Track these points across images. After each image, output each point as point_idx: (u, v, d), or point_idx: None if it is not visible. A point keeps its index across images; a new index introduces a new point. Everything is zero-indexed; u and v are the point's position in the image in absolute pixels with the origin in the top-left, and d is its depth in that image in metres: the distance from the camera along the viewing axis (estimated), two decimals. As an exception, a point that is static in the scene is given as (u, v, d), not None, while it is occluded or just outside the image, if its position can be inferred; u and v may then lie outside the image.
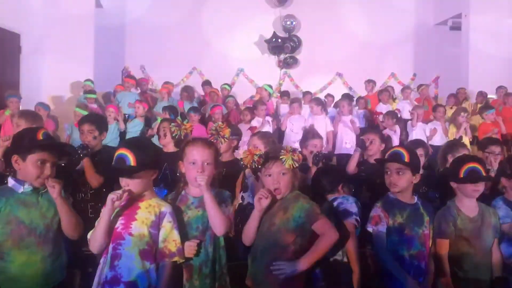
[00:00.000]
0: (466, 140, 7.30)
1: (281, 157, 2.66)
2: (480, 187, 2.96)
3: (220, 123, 3.30)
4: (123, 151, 2.48)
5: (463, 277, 2.93)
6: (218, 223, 2.57)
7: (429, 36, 12.69)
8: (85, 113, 6.71)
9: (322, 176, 3.23)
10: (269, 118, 8.09)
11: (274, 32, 12.19)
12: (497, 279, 3.00)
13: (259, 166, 2.71)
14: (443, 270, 2.90)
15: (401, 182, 2.91)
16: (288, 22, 12.16)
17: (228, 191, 2.83)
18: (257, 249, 2.68)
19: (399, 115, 8.22)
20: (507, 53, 10.72)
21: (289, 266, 2.52)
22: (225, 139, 3.14)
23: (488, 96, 9.92)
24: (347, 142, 7.42)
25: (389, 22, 12.28)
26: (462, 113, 7.71)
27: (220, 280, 2.66)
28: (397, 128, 7.49)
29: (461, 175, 2.95)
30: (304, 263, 2.54)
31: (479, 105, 9.32)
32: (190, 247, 2.57)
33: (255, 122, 7.77)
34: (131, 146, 2.51)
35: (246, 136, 5.25)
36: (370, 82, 10.20)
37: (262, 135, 3.96)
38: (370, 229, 2.92)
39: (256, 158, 2.71)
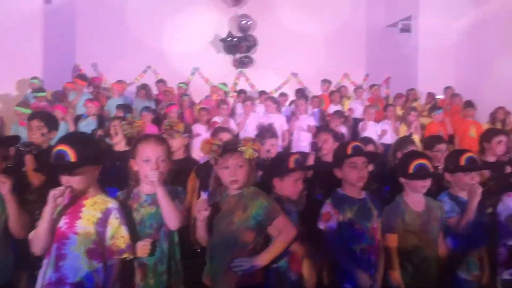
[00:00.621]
0: (417, 138, 7.52)
1: (240, 148, 2.65)
2: (428, 182, 3.04)
3: (174, 119, 3.26)
4: (61, 147, 2.40)
5: (412, 270, 3.00)
6: (172, 218, 2.54)
7: (380, 38, 13.02)
8: (28, 111, 6.47)
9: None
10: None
11: (229, 31, 12.19)
12: (443, 272, 3.10)
13: (217, 157, 2.67)
14: (392, 263, 2.96)
15: (366, 174, 2.98)
16: (244, 22, 12.19)
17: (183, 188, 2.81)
18: (215, 247, 2.66)
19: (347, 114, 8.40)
20: (455, 54, 11.14)
21: (248, 262, 2.55)
22: (179, 134, 3.11)
23: (437, 97, 10.27)
24: (303, 140, 7.50)
25: (342, 23, 12.50)
26: (412, 112, 7.95)
27: (175, 277, 2.64)
28: (344, 128, 7.64)
29: (410, 171, 3.01)
30: (263, 259, 2.59)
31: (428, 105, 9.64)
32: (143, 247, 2.53)
33: (217, 119, 7.73)
34: (70, 141, 2.43)
35: (205, 136, 5.21)
36: (325, 82, 10.37)
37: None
38: (321, 226, 2.95)
39: (215, 147, 2.67)
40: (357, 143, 3.08)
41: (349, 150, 3.00)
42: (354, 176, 2.95)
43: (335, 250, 2.90)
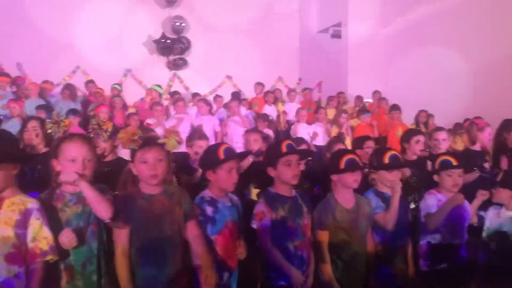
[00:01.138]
0: (348, 139, 7.78)
1: (161, 140, 2.60)
2: (359, 176, 3.13)
3: (102, 119, 3.14)
4: None
5: (342, 265, 3.08)
6: (101, 209, 2.45)
7: (312, 43, 13.36)
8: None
9: None
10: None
11: (163, 32, 12.02)
12: (371, 266, 3.21)
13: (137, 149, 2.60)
14: (323, 258, 3.03)
15: (299, 172, 3.04)
16: (178, 23, 12.07)
17: (112, 190, 2.70)
18: (161, 251, 2.61)
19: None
20: (382, 60, 11.64)
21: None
22: (107, 134, 2.99)
23: (365, 100, 10.68)
24: (238, 142, 7.52)
25: (276, 28, 12.74)
26: (343, 115, 8.23)
27: (106, 277, 2.54)
28: (270, 132, 7.75)
29: (342, 166, 3.10)
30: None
31: (357, 108, 10.00)
32: (67, 238, 2.37)
33: (150, 121, 7.55)
34: None
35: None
36: (259, 85, 10.48)
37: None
38: (254, 225, 2.96)
39: (136, 137, 2.59)
40: (290, 142, 3.12)
41: (284, 149, 3.03)
42: (289, 174, 2.99)
43: (268, 248, 2.92)
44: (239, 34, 12.21)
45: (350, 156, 3.15)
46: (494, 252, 3.31)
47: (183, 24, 12.11)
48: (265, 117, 7.81)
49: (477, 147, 5.04)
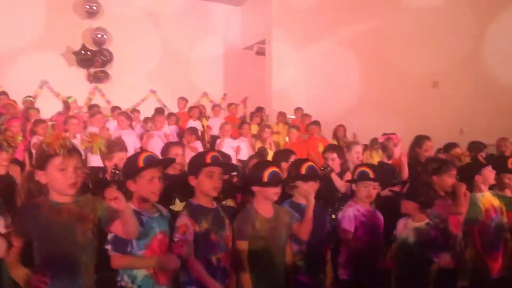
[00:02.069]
0: (271, 153, 7.88)
1: (85, 144, 2.48)
2: (279, 189, 3.16)
3: (9, 131, 2.93)
4: None
5: (262, 275, 3.07)
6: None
7: (237, 59, 13.52)
8: None
9: None
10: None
11: (83, 44, 11.60)
12: (289, 276, 3.23)
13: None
14: (243, 269, 3.01)
15: (220, 184, 3.00)
16: (99, 35, 11.70)
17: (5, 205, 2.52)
18: (73, 262, 2.45)
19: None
20: (304, 77, 12.01)
21: None
22: (13, 149, 2.79)
23: (288, 116, 10.94)
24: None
25: (202, 43, 12.76)
26: (266, 129, 8.35)
27: None
28: (199, 143, 7.72)
29: (265, 179, 3.11)
30: None
31: (280, 124, 10.21)
32: None
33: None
34: None
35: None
36: (182, 100, 10.40)
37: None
38: (176, 239, 2.88)
39: (66, 142, 2.43)
40: (216, 154, 3.09)
41: (208, 159, 3.00)
42: (210, 186, 2.95)
43: (191, 261, 2.85)
44: (163, 48, 12.08)
45: (272, 169, 3.17)
46: (402, 262, 3.45)
47: (104, 36, 11.77)
48: (193, 129, 7.74)
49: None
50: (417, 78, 9.32)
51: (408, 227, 3.48)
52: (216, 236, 2.94)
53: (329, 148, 5.12)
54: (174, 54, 12.17)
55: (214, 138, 8.95)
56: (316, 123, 8.87)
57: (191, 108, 10.02)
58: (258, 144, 8.35)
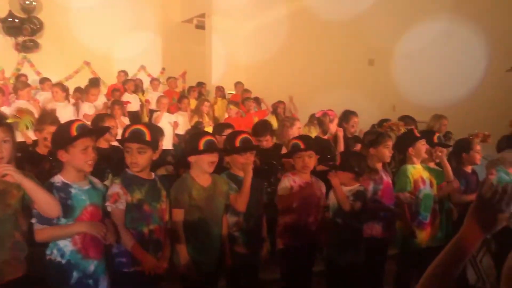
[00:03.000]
0: (210, 129, 7.83)
1: (12, 119, 2.33)
2: (216, 158, 3.13)
3: None
4: None
5: (198, 245, 3.06)
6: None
7: (176, 33, 13.20)
8: None
9: None
10: None
11: (10, 11, 10.87)
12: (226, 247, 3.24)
13: None
14: (179, 238, 2.99)
15: (143, 161, 2.89)
16: (27, 2, 11.00)
17: None
18: None
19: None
20: (244, 52, 11.94)
21: None
22: None
23: (228, 91, 10.88)
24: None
25: (139, 15, 12.33)
26: (205, 103, 8.31)
27: None
28: (126, 119, 7.52)
29: (200, 147, 3.08)
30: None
31: (218, 99, 10.15)
32: None
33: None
34: None
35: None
36: (121, 73, 10.06)
37: None
38: (109, 208, 2.80)
39: None
40: (137, 127, 2.97)
41: (126, 135, 2.91)
42: (128, 161, 2.89)
43: (122, 232, 2.79)
44: (98, 18, 11.55)
45: (208, 137, 3.15)
46: (341, 226, 3.56)
47: (33, 3, 11.08)
48: (120, 103, 7.53)
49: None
50: (354, 56, 9.53)
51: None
52: (150, 207, 2.88)
53: (259, 131, 4.87)
54: (109, 24, 11.67)
55: (152, 113, 8.75)
56: (254, 98, 8.89)
57: (126, 81, 9.71)
58: (195, 119, 8.28)
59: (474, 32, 7.67)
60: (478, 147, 4.41)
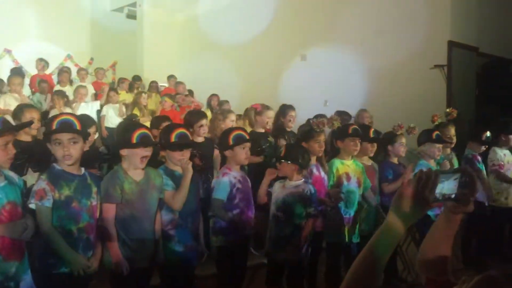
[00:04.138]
0: (148, 122, 7.61)
1: None
2: (149, 152, 3.02)
3: None
4: None
5: (130, 242, 2.95)
6: None
7: (106, 22, 12.68)
8: None
9: None
10: None
11: None
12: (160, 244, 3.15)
13: None
14: (110, 235, 2.87)
15: (76, 152, 2.74)
16: None
17: None
18: None
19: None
20: (178, 44, 11.72)
21: None
22: None
23: (161, 84, 10.64)
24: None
25: (66, 3, 11.75)
26: (143, 95, 8.20)
27: None
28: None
29: (133, 141, 2.96)
30: None
31: (154, 93, 9.91)
32: None
33: None
34: None
35: None
36: (41, 61, 9.51)
37: None
38: (32, 205, 2.62)
39: None
40: (65, 117, 2.82)
41: (54, 126, 2.75)
42: (59, 154, 2.71)
43: (47, 231, 2.63)
44: (22, 2, 10.87)
45: (142, 130, 3.03)
46: (283, 222, 3.57)
47: None
48: (61, 93, 7.20)
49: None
50: (286, 51, 9.63)
51: (287, 187, 3.59)
52: (79, 204, 2.74)
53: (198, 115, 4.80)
54: (32, 9, 11.00)
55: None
56: (188, 91, 8.78)
57: (60, 71, 9.25)
58: (135, 111, 8.07)
59: (402, 30, 8.01)
60: (402, 140, 4.60)
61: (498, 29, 8.76)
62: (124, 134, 3.07)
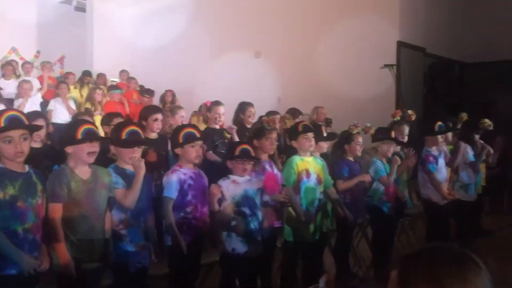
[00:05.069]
0: (98, 117, 7.39)
1: None
2: (96, 149, 2.92)
3: None
4: None
5: (79, 242, 2.86)
6: None
7: (53, 14, 12.21)
8: None
9: None
10: None
11: None
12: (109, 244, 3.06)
13: None
14: (57, 235, 2.76)
15: (27, 148, 2.63)
16: None
17: None
18: None
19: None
20: (129, 38, 11.46)
21: None
22: None
23: (112, 79, 10.37)
24: None
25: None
26: (98, 91, 8.01)
27: None
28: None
29: (78, 137, 2.86)
30: None
31: (102, 86, 9.64)
32: None
33: None
34: None
35: None
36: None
37: None
38: None
39: None
40: (12, 113, 2.70)
41: (1, 123, 2.61)
42: (11, 151, 2.59)
43: None
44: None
45: (87, 126, 2.94)
46: (248, 216, 3.53)
47: None
48: None
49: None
50: (240, 48, 9.62)
51: (240, 182, 3.57)
52: (25, 204, 2.62)
53: (152, 109, 4.71)
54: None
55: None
56: (140, 87, 8.63)
57: (3, 65, 8.82)
58: (88, 105, 7.87)
59: (354, 30, 8.18)
60: (359, 139, 4.69)
61: (444, 30, 9.11)
62: (68, 131, 2.97)
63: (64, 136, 2.99)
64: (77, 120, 3.15)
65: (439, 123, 5.26)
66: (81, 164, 2.92)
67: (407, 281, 1.06)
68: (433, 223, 5.28)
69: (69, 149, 2.90)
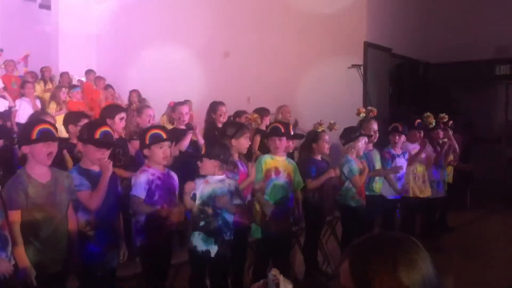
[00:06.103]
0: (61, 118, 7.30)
1: None
2: (54, 149, 2.85)
3: None
4: None
5: (41, 246, 2.81)
6: None
7: (17, 11, 11.90)
8: None
9: None
10: None
11: None
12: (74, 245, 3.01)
13: None
14: (15, 242, 2.67)
15: None
16: None
17: None
18: None
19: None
20: (95, 35, 11.28)
21: None
22: None
23: (78, 78, 10.20)
24: None
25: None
26: (63, 89, 7.90)
27: None
28: None
29: (34, 137, 2.78)
30: None
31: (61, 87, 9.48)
32: None
33: None
34: None
35: None
36: None
37: None
38: None
39: None
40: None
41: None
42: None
43: None
44: None
45: (43, 125, 2.86)
46: (211, 216, 3.52)
47: None
48: None
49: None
50: (209, 48, 9.60)
51: (211, 182, 3.55)
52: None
53: (117, 109, 4.61)
54: None
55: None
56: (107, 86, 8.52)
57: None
58: (52, 105, 7.72)
59: (323, 30, 8.29)
60: (325, 137, 4.73)
61: (409, 31, 9.31)
62: (24, 131, 2.92)
63: (21, 136, 2.94)
64: (33, 120, 3.06)
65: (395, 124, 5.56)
66: (39, 167, 2.85)
67: (361, 268, 1.12)
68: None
69: (25, 149, 2.83)
